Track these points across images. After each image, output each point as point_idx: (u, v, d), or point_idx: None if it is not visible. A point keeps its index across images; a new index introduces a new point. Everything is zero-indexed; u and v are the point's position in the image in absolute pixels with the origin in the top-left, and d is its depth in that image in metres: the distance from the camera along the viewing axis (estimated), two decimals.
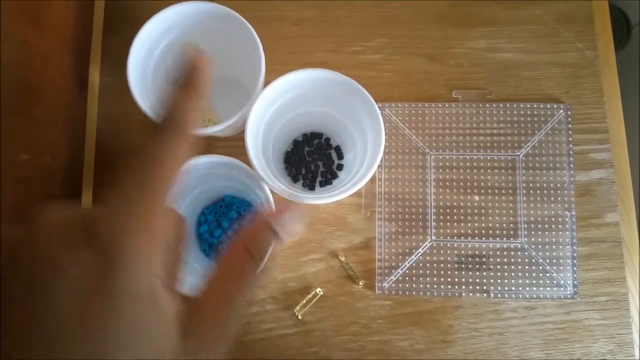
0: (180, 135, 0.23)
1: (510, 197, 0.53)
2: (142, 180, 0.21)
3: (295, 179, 0.55)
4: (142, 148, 0.22)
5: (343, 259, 0.53)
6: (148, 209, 0.21)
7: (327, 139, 0.56)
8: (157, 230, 0.21)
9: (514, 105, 0.54)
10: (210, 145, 0.55)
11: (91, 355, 0.18)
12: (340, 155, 0.55)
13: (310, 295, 0.52)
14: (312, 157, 0.55)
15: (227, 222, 0.53)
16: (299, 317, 0.52)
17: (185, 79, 0.25)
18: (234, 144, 0.55)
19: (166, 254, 0.21)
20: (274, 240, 0.25)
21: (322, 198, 0.43)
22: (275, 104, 0.47)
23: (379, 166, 0.54)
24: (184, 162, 0.23)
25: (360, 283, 0.53)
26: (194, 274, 0.47)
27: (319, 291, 0.52)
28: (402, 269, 0.52)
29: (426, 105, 0.55)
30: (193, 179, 0.48)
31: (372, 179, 0.54)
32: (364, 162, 0.45)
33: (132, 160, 0.22)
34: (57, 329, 0.18)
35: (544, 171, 0.53)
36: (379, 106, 0.43)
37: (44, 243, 0.20)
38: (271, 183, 0.43)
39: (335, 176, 0.55)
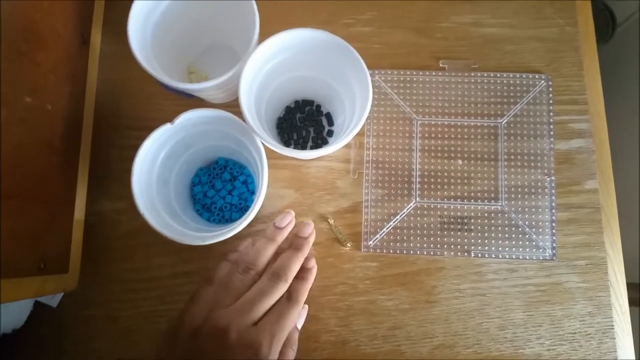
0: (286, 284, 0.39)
1: (492, 163, 0.55)
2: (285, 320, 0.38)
3: (287, 144, 0.57)
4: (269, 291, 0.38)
5: (332, 221, 0.55)
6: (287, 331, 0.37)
7: (318, 106, 0.58)
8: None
9: (497, 75, 0.57)
10: None
11: None
12: (330, 122, 0.57)
13: None
14: (303, 123, 0.58)
15: (221, 184, 0.55)
16: None
17: (295, 243, 0.42)
18: (228, 111, 0.57)
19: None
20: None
21: (311, 153, 0.45)
22: (269, 64, 0.49)
23: (368, 134, 0.56)
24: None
25: (348, 245, 0.54)
26: (186, 227, 0.48)
27: None
28: (387, 228, 0.54)
29: (414, 72, 0.57)
30: (188, 136, 0.50)
31: (361, 145, 0.56)
32: (352, 121, 0.47)
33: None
34: None
35: (525, 138, 0.56)
36: (369, 72, 0.45)
37: (231, 346, 0.35)
38: (263, 136, 0.45)
39: (325, 142, 0.57)
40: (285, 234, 0.43)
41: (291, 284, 0.40)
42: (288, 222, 0.43)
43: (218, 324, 0.35)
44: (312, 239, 0.43)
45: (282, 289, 0.38)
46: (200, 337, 0.35)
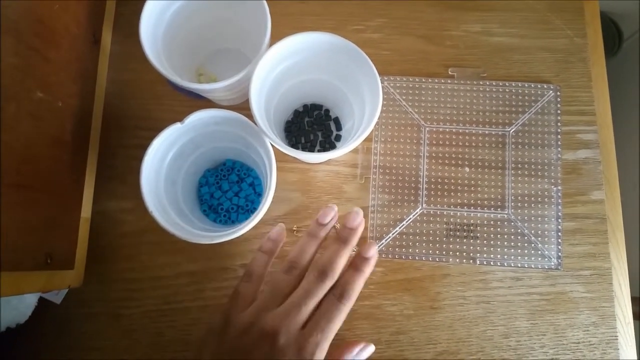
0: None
1: (499, 171, 0.56)
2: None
3: (294, 148, 0.57)
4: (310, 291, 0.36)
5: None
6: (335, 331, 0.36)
7: (327, 111, 0.58)
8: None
9: (507, 84, 0.57)
10: None
11: None
12: (338, 127, 0.57)
13: None
14: (311, 127, 0.58)
15: (227, 185, 0.55)
16: None
17: (342, 236, 0.39)
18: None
19: None
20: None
21: (318, 155, 0.45)
22: (279, 67, 0.49)
23: (375, 140, 0.56)
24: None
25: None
26: (193, 227, 0.49)
27: None
28: (392, 234, 0.54)
29: (423, 80, 0.57)
30: (197, 136, 0.50)
31: (368, 151, 0.56)
32: (361, 126, 0.47)
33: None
34: None
35: (533, 147, 0.56)
36: None
37: (280, 349, 0.34)
38: (273, 138, 0.45)
39: (333, 146, 0.57)
40: (328, 229, 0.41)
41: (343, 277, 0.37)
42: (331, 217, 0.41)
43: (266, 328, 0.35)
44: (360, 229, 0.40)
45: (328, 286, 0.36)
46: (249, 339, 0.35)
